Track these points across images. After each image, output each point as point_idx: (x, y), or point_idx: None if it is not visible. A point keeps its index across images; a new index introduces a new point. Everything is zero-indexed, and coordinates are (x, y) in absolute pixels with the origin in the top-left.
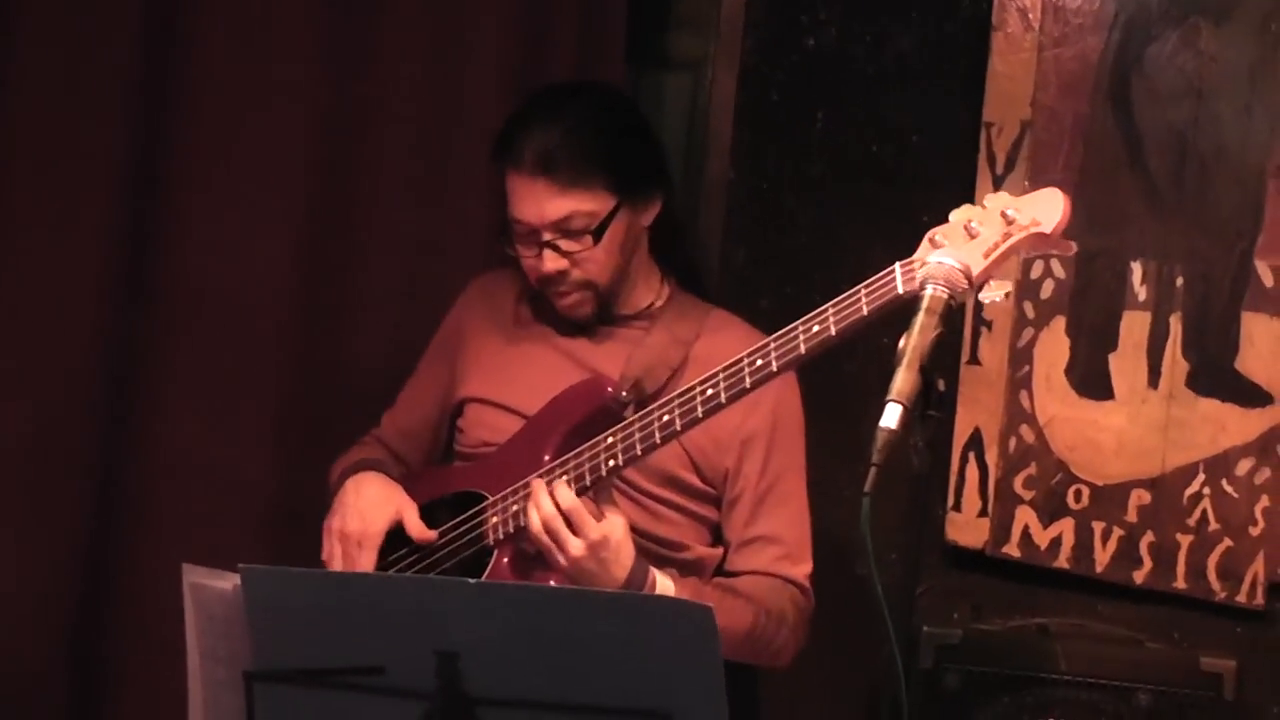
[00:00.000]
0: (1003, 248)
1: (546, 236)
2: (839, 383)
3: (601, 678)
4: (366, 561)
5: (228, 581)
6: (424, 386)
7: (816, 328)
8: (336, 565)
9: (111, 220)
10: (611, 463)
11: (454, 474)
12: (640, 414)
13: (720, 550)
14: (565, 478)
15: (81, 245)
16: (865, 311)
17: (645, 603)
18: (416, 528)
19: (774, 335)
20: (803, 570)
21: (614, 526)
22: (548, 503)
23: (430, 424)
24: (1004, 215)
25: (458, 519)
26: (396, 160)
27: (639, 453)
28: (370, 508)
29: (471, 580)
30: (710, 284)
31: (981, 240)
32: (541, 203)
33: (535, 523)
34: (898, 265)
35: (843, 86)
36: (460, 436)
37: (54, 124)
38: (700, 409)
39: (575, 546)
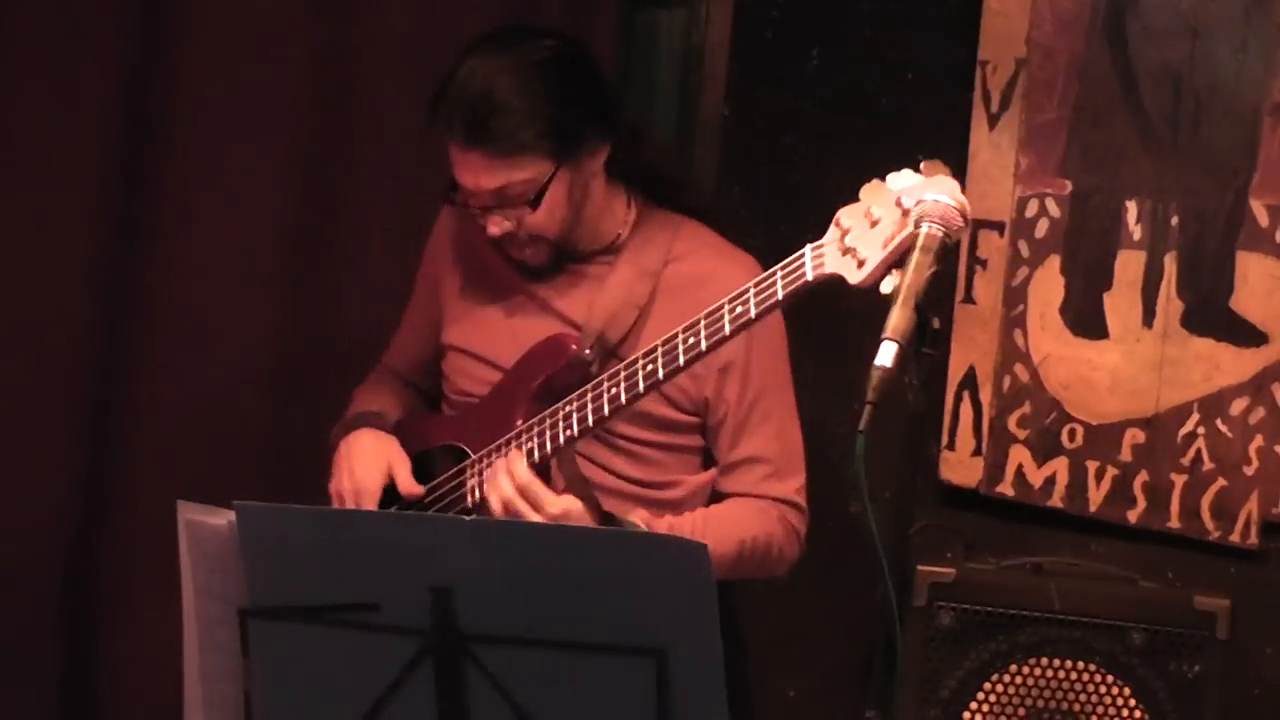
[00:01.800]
0: (898, 238)
1: (487, 203)
2: (834, 320)
3: (596, 615)
4: None
5: (222, 518)
6: (417, 320)
7: (739, 309)
8: None
9: (104, 160)
10: (568, 432)
11: (440, 425)
12: (592, 383)
13: (710, 475)
14: (527, 446)
15: (72, 186)
16: (780, 296)
17: (639, 539)
18: (406, 483)
19: (703, 313)
20: (791, 485)
21: (571, 502)
22: (506, 484)
23: (431, 354)
24: (899, 203)
25: (441, 478)
26: (389, 103)
27: (591, 423)
28: (362, 465)
29: (465, 518)
30: (675, 181)
31: (880, 230)
32: (476, 173)
33: (496, 505)
34: (808, 249)
35: (837, 24)
36: (445, 383)
37: (47, 64)
38: (641, 384)
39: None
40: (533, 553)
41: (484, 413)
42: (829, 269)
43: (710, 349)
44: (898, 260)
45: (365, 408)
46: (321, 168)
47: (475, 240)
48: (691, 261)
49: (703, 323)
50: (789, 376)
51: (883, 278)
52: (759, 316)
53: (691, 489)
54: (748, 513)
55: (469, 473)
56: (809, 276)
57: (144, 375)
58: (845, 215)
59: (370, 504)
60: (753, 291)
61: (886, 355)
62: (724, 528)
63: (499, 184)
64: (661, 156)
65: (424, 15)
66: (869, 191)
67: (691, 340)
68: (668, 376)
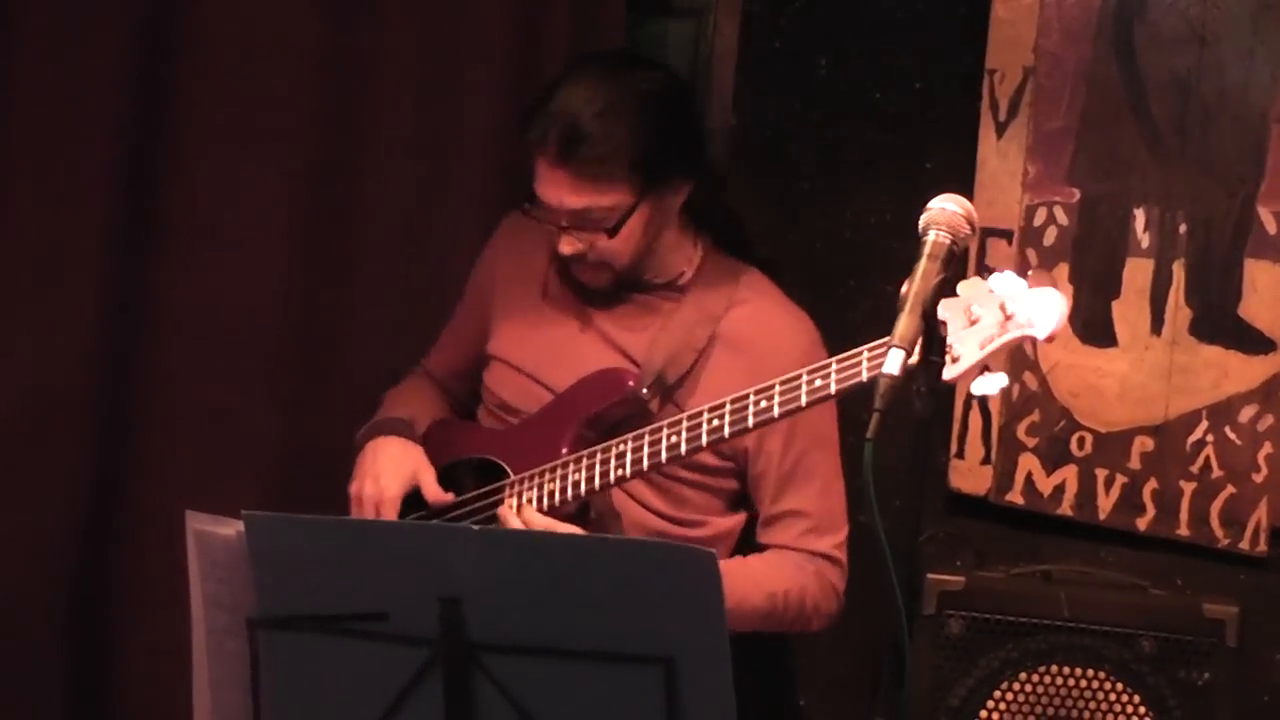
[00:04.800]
0: (995, 344)
1: (564, 222)
2: (842, 329)
3: (604, 624)
4: None
5: (231, 528)
6: (463, 327)
7: (819, 382)
8: None
9: (113, 163)
10: (620, 472)
11: (480, 438)
12: (652, 427)
13: (738, 518)
14: (573, 478)
15: (83, 187)
16: (864, 378)
17: (647, 548)
18: (433, 491)
19: (781, 378)
20: (831, 541)
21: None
22: (515, 524)
23: (473, 363)
24: (1003, 308)
25: (476, 492)
26: (399, 107)
27: (645, 467)
28: (386, 471)
29: (474, 526)
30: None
31: (979, 329)
32: (560, 192)
33: None
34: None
35: (845, 33)
36: (485, 393)
37: (55, 70)
38: (704, 438)
39: None
40: (541, 562)
41: (527, 433)
42: (892, 370)
43: (782, 417)
44: (988, 365)
45: (395, 413)
46: (330, 175)
47: (535, 256)
48: (752, 310)
49: (778, 388)
50: (836, 435)
51: (974, 379)
52: (838, 394)
53: (718, 531)
54: (783, 565)
55: (508, 492)
56: (896, 372)
57: (153, 384)
58: (944, 307)
59: (390, 512)
60: (835, 367)
61: (894, 363)
62: (757, 577)
63: (581, 206)
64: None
65: (432, 26)
66: (969, 287)
67: (764, 404)
68: (733, 435)
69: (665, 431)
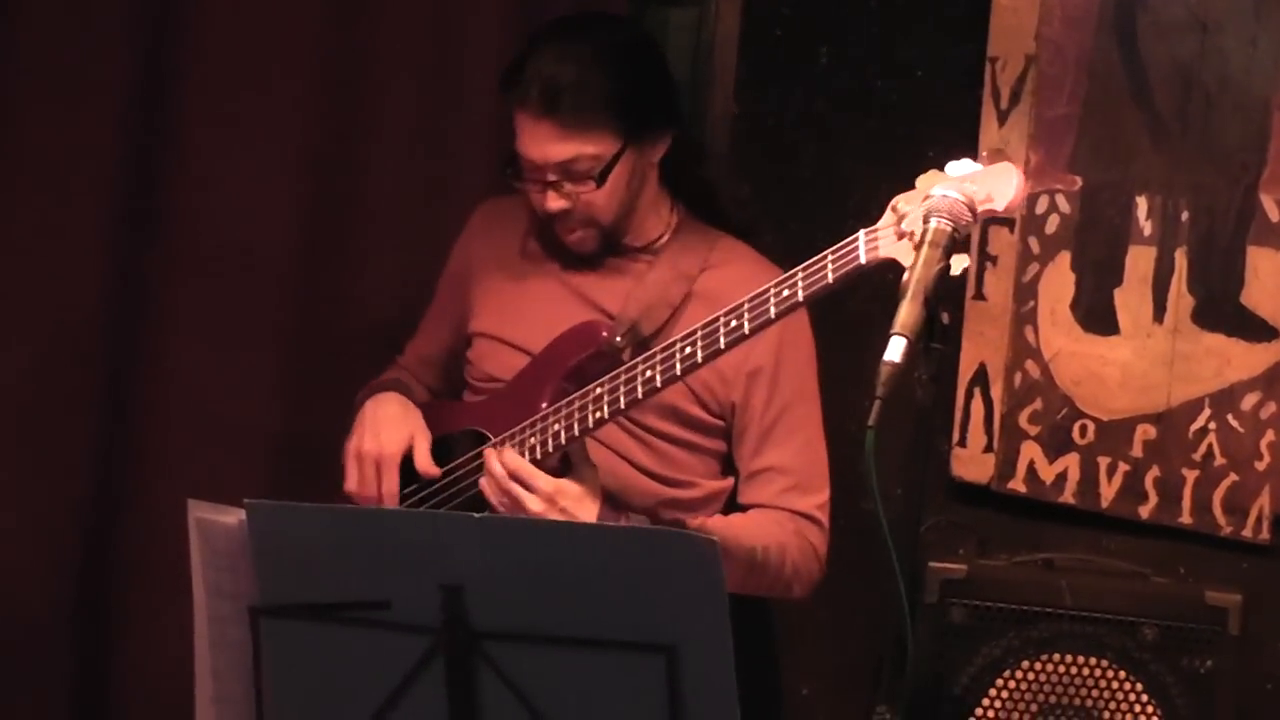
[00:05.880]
0: None
1: (550, 176)
2: (843, 316)
3: (606, 611)
4: (389, 484)
5: (233, 516)
6: (440, 316)
7: (786, 292)
8: (353, 486)
9: (115, 158)
10: (598, 414)
11: (463, 410)
12: (626, 366)
13: (729, 482)
14: (553, 429)
15: (85, 184)
16: (830, 279)
17: (649, 535)
18: (423, 460)
19: (747, 297)
20: (813, 500)
21: (567, 482)
22: (497, 467)
23: (450, 352)
24: (961, 190)
25: (461, 459)
26: (400, 103)
27: (622, 405)
28: (385, 427)
29: (475, 514)
30: (723, 200)
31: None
32: (545, 144)
33: (490, 490)
34: (861, 233)
35: (846, 21)
36: (469, 369)
37: (58, 59)
38: (678, 367)
39: (532, 502)
40: (543, 550)
41: (507, 398)
42: (884, 253)
43: (754, 332)
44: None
45: (392, 377)
46: (332, 167)
47: (511, 237)
48: (728, 272)
49: (746, 305)
50: (817, 392)
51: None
52: (806, 300)
53: (708, 492)
54: (762, 521)
55: (489, 454)
56: (862, 260)
57: (156, 374)
58: (902, 201)
59: (391, 469)
60: (801, 275)
61: (895, 350)
62: (734, 530)
63: (568, 156)
64: (715, 175)
65: (435, 19)
66: (927, 179)
67: (734, 323)
68: (706, 359)
69: (640, 368)
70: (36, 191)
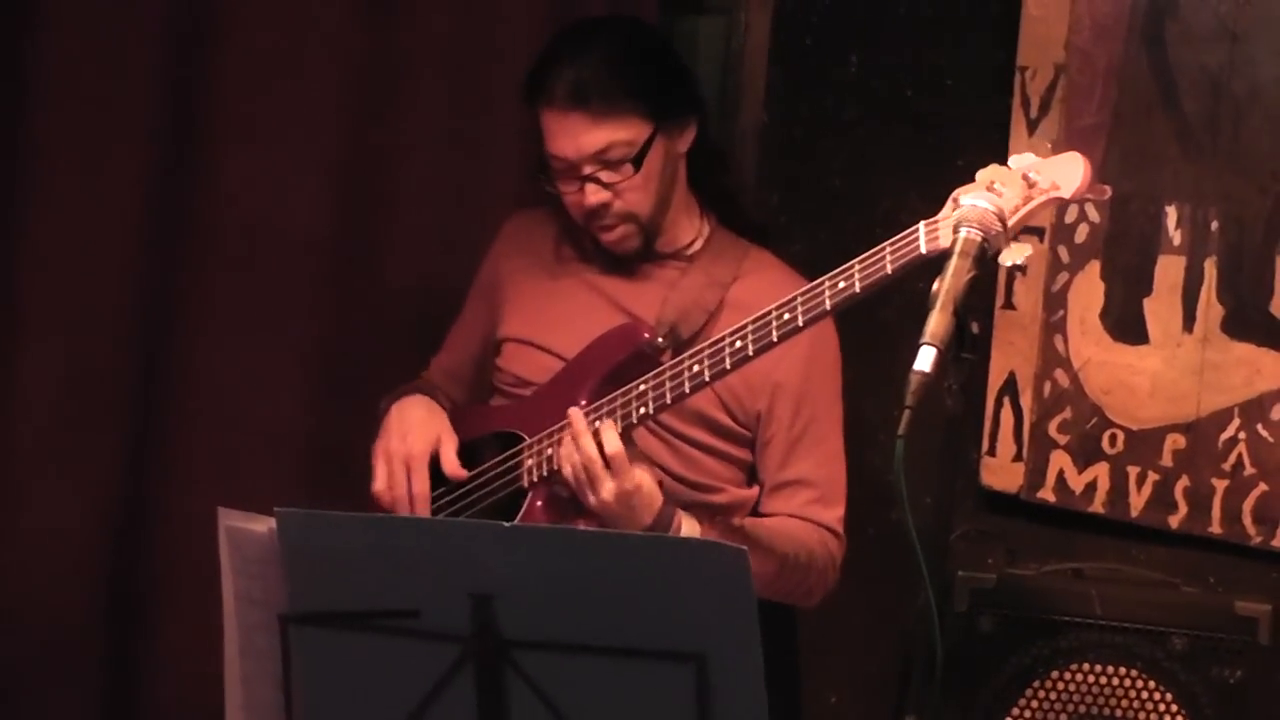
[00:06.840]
0: (1023, 211)
1: (586, 170)
2: (873, 326)
3: (635, 620)
4: (419, 484)
5: (263, 525)
6: (467, 329)
7: (842, 284)
8: (381, 485)
9: (146, 161)
10: (643, 410)
11: (493, 413)
12: (672, 363)
13: (755, 491)
14: (611, 421)
15: (116, 188)
16: (889, 270)
17: (679, 545)
18: (450, 462)
19: (801, 290)
20: (834, 514)
21: (645, 476)
22: (590, 445)
23: (476, 364)
24: (1026, 178)
25: (494, 460)
26: (431, 105)
27: (669, 400)
28: (412, 428)
29: (505, 523)
30: (752, 213)
31: (1004, 201)
32: (578, 136)
33: (574, 459)
34: (922, 225)
35: (876, 30)
36: (498, 375)
37: (90, 61)
38: (728, 361)
39: (608, 490)
40: (573, 559)
41: (542, 399)
42: (944, 244)
43: (808, 324)
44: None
45: (418, 384)
46: (363, 172)
47: (541, 247)
48: (760, 280)
49: (800, 298)
50: (840, 407)
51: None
52: (864, 291)
53: (735, 499)
54: (791, 529)
55: (525, 454)
56: (923, 249)
57: (185, 380)
58: (963, 193)
59: (421, 469)
60: (858, 266)
61: (925, 360)
62: (768, 540)
63: (602, 144)
64: (739, 184)
65: (465, 21)
66: (988, 172)
67: (787, 316)
68: (758, 352)
69: (687, 363)
70: (68, 194)
